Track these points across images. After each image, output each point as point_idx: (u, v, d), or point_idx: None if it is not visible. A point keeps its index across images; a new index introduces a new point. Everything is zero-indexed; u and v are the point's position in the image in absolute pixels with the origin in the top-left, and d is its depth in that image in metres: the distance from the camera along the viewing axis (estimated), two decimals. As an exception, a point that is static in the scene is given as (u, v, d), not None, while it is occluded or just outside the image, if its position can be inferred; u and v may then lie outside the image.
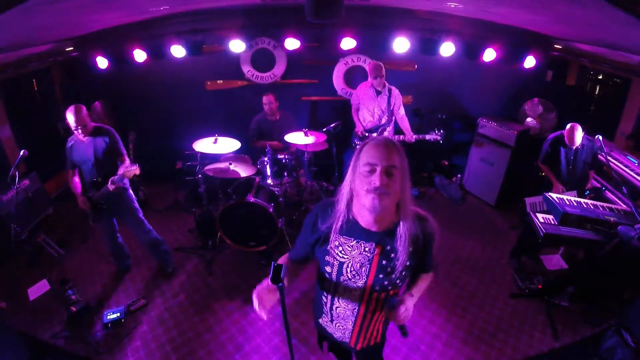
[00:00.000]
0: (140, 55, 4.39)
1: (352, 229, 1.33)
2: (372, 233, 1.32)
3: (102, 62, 4.38)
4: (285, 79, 4.94)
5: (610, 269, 2.78)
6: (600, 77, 4.76)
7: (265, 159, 3.75)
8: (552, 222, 2.85)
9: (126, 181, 3.09)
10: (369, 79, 4.10)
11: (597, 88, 4.88)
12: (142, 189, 4.72)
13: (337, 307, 1.49)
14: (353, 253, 1.34)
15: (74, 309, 2.96)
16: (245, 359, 2.70)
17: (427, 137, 4.13)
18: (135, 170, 2.79)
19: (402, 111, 4.19)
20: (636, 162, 3.44)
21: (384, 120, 4.18)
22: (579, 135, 3.30)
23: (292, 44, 4.44)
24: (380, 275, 1.35)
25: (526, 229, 3.46)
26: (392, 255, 1.32)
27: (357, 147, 1.31)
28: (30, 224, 3.70)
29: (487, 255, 3.82)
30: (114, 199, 3.04)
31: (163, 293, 3.32)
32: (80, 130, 2.83)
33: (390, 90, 4.09)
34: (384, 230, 1.32)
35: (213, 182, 4.09)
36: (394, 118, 4.21)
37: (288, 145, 4.21)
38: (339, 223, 1.33)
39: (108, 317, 2.94)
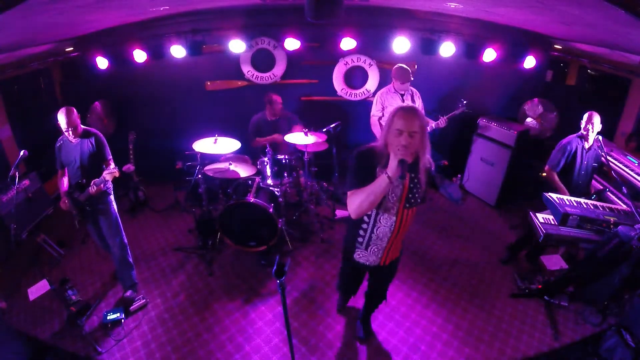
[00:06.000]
0: (140, 56, 4.39)
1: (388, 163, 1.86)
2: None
3: (102, 62, 4.39)
4: (285, 79, 4.94)
5: (610, 269, 2.78)
6: (600, 77, 4.76)
7: (265, 159, 3.75)
8: (552, 222, 2.86)
9: (110, 185, 3.02)
10: (393, 82, 3.95)
11: (597, 88, 4.88)
12: (142, 189, 4.72)
13: (377, 228, 2.01)
14: None
15: (74, 309, 2.96)
16: (245, 359, 2.70)
17: (456, 112, 4.19)
18: (115, 172, 2.77)
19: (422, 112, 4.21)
20: (636, 162, 3.43)
21: None
22: (597, 120, 3.07)
23: (292, 44, 4.44)
24: (409, 195, 1.93)
25: (528, 234, 3.41)
26: (416, 180, 1.93)
27: (390, 113, 1.81)
28: (30, 224, 3.71)
29: (487, 256, 3.82)
30: (95, 200, 2.99)
31: (163, 293, 3.33)
32: (70, 132, 2.82)
33: (413, 92, 4.06)
34: (410, 164, 1.81)
35: (213, 182, 4.08)
36: None
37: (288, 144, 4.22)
38: (383, 160, 1.85)
39: (108, 317, 2.94)
